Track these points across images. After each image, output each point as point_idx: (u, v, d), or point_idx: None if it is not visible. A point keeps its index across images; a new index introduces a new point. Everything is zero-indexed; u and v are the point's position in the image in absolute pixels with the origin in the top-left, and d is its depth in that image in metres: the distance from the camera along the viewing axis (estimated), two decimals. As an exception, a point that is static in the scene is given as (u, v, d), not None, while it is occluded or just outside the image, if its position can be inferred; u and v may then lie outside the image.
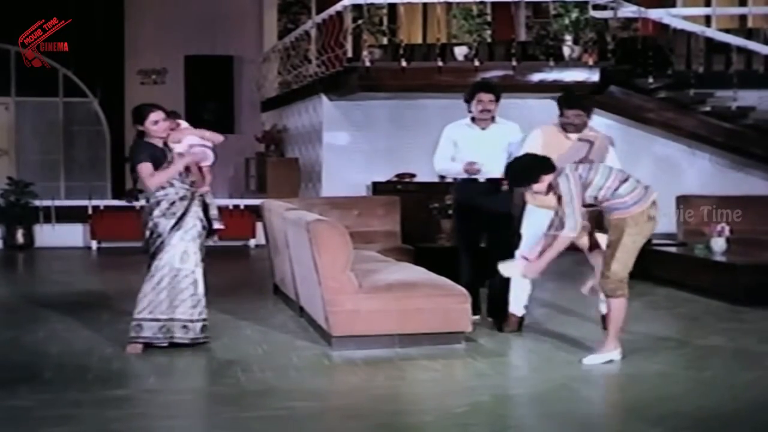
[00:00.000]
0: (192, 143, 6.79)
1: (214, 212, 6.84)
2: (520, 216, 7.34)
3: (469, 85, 7.83)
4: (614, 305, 6.38)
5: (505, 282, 7.22)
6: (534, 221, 6.98)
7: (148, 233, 6.60)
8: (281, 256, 8.23)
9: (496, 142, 7.50)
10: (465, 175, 7.56)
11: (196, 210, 6.66)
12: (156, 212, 6.55)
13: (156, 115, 6.53)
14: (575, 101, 7.06)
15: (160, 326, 6.55)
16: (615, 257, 6.24)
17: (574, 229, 6.10)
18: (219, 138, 6.95)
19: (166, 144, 6.62)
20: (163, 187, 6.53)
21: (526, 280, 6.98)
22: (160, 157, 6.52)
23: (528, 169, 6.25)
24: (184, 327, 6.59)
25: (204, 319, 6.67)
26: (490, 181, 7.46)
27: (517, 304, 7.33)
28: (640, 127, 12.84)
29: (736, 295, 8.53)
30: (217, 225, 6.85)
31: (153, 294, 6.55)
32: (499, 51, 13.19)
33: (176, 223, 6.54)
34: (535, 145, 6.87)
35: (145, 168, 6.47)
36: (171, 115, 6.90)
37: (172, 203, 6.55)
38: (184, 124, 6.99)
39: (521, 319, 7.36)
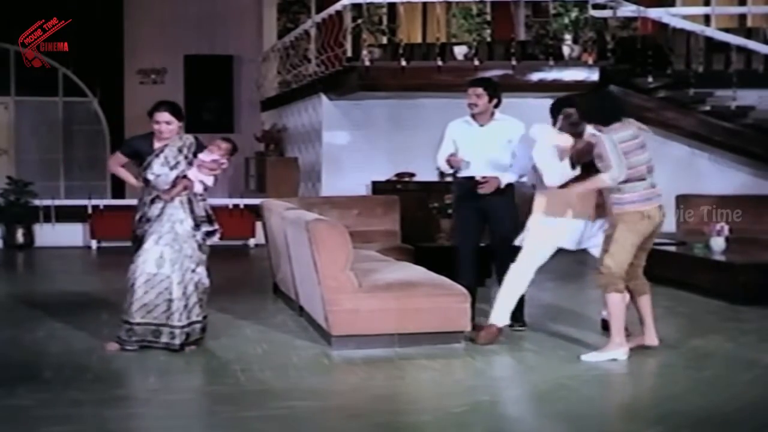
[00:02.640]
0: (201, 180, 6.67)
1: (200, 213, 6.69)
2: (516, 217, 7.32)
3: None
4: (609, 301, 6.39)
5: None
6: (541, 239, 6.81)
7: (132, 235, 6.72)
8: (281, 255, 8.22)
9: (494, 139, 7.29)
10: (465, 172, 7.37)
11: (172, 213, 6.60)
12: (136, 216, 6.67)
13: (159, 116, 6.62)
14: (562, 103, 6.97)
15: (127, 329, 6.56)
16: (609, 252, 6.29)
17: (615, 179, 6.18)
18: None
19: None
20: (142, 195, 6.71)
21: (521, 286, 6.84)
22: (142, 152, 6.67)
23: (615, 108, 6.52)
24: (158, 332, 6.55)
25: (183, 326, 6.55)
26: (483, 179, 7.22)
27: (500, 313, 6.87)
28: (639, 127, 12.81)
29: (736, 295, 8.54)
30: (206, 228, 6.67)
31: (129, 296, 6.57)
32: (499, 50, 13.19)
33: (149, 227, 6.57)
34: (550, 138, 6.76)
35: (114, 155, 6.96)
36: (231, 147, 6.79)
37: (144, 209, 6.62)
38: (210, 156, 6.67)
39: (500, 330, 6.90)
